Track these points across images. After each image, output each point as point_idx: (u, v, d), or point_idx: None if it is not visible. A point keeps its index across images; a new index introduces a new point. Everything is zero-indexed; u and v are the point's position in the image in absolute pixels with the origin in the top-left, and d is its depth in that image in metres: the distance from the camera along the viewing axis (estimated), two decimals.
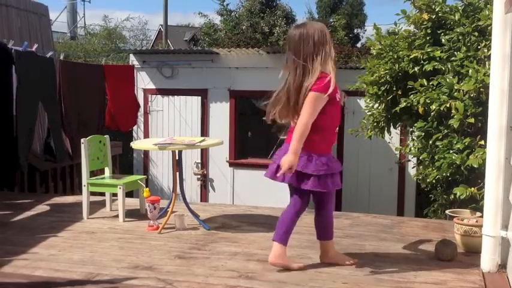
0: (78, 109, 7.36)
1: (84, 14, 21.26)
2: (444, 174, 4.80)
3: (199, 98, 9.52)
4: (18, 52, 6.18)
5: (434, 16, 5.29)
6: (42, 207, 5.73)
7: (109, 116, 8.11)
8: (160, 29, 24.91)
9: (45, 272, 3.67)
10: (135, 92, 9.42)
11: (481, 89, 4.54)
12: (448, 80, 4.85)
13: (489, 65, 4.59)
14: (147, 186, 5.14)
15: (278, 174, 3.46)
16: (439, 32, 5.28)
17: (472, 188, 4.45)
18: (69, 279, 3.56)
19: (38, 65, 6.53)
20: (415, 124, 5.21)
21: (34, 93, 6.41)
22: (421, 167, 5.43)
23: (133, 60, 9.86)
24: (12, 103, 6.12)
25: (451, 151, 4.75)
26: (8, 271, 3.69)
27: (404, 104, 5.19)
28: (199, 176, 9.58)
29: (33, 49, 6.58)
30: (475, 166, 4.41)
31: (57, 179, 7.56)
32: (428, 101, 4.90)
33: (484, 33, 4.90)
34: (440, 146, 4.86)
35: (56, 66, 7.07)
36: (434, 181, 5.04)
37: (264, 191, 8.63)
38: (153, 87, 9.75)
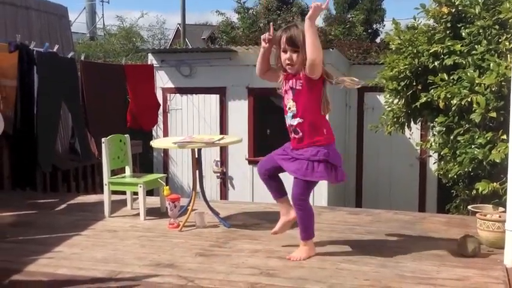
0: (101, 109, 7.43)
1: (103, 15, 21.49)
2: (466, 170, 4.75)
3: (218, 96, 9.54)
4: (40, 53, 6.26)
5: (454, 10, 5.23)
6: (65, 207, 5.80)
7: (131, 115, 8.17)
8: (178, 28, 25.01)
9: (68, 270, 3.71)
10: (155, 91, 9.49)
11: (503, 83, 4.48)
12: (468, 74, 4.80)
13: (511, 58, 4.54)
14: (167, 185, 5.16)
15: None
16: (459, 25, 5.22)
17: (495, 183, 4.40)
18: (92, 277, 3.60)
19: (59, 66, 6.60)
20: (436, 119, 5.16)
21: (56, 94, 6.49)
22: (442, 162, 5.38)
23: (152, 59, 9.90)
24: (34, 104, 6.20)
25: (472, 146, 4.70)
26: (31, 270, 3.74)
27: (425, 99, 5.14)
28: (218, 174, 9.60)
29: (54, 50, 6.65)
30: (498, 161, 4.36)
31: (79, 178, 7.65)
32: (449, 95, 4.85)
33: (505, 26, 4.83)
34: (461, 141, 4.81)
35: (78, 66, 7.14)
36: (456, 176, 5.00)
37: None
38: (172, 86, 9.79)
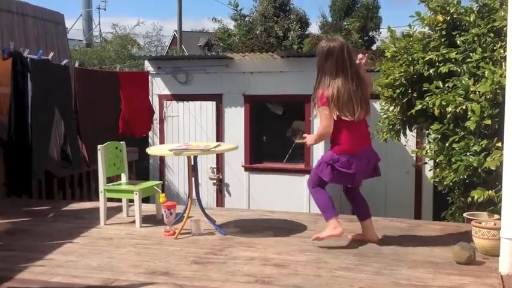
0: (94, 116, 7.43)
1: (99, 22, 21.44)
2: (461, 177, 4.76)
3: (214, 103, 9.54)
4: (33, 60, 6.25)
5: (449, 18, 5.25)
6: (60, 214, 5.78)
7: (123, 122, 8.17)
8: (174, 34, 25.05)
9: (63, 278, 3.70)
10: (150, 98, 9.49)
11: (498, 90, 4.50)
12: (463, 81, 4.81)
13: (505, 66, 4.56)
14: (163, 192, 5.16)
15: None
16: (454, 33, 5.24)
17: (490, 191, 4.40)
18: (87, 285, 3.59)
19: (52, 73, 6.59)
20: (431, 126, 5.17)
21: (49, 101, 6.48)
22: (437, 169, 5.38)
23: (148, 66, 9.91)
24: (28, 111, 6.19)
25: (468, 153, 4.71)
26: (26, 277, 3.73)
27: (420, 106, 5.15)
28: (214, 181, 9.59)
29: (49, 57, 6.65)
30: (493, 168, 4.36)
31: (75, 185, 7.63)
32: (444, 103, 4.86)
33: (500, 34, 4.85)
34: (457, 149, 4.82)
35: (71, 73, 7.14)
36: (451, 184, 5.00)
37: (279, 195, 8.62)
38: (168, 93, 9.79)
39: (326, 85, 4.12)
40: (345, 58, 4.14)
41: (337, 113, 4.10)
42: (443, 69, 5.05)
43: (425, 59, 5.21)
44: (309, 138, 4.41)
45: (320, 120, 4.21)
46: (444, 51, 5.12)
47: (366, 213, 4.48)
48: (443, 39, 5.28)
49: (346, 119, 4.11)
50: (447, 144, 4.95)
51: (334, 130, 4.19)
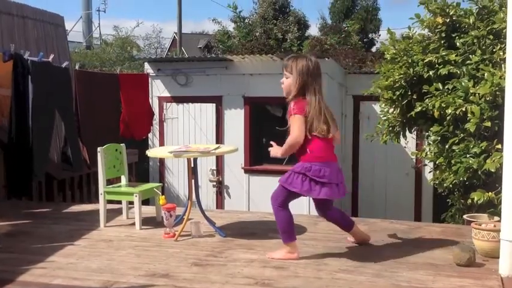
0: (94, 118, 7.43)
1: (99, 24, 21.46)
2: (461, 179, 4.77)
3: (214, 105, 9.56)
4: (34, 63, 6.26)
5: (448, 20, 5.27)
6: (60, 216, 5.78)
7: (123, 124, 8.18)
8: (174, 36, 25.07)
9: (63, 281, 3.70)
10: (150, 100, 9.50)
11: (497, 92, 4.51)
12: (463, 83, 4.83)
13: (505, 68, 4.57)
14: (163, 194, 5.16)
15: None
16: (453, 35, 5.25)
17: (490, 193, 4.41)
18: (87, 287, 3.59)
19: (53, 75, 6.60)
20: (431, 128, 5.18)
21: (50, 103, 6.48)
22: (437, 171, 5.39)
23: (148, 68, 9.92)
24: (29, 113, 6.19)
25: (467, 155, 4.72)
26: (27, 280, 3.73)
27: (420, 108, 5.16)
28: (214, 183, 9.60)
29: (50, 59, 6.66)
30: (492, 170, 4.37)
31: (75, 187, 7.63)
32: (443, 105, 4.88)
33: (499, 36, 4.87)
34: (456, 150, 4.83)
35: (72, 76, 7.14)
36: (451, 186, 5.01)
37: None
38: (168, 95, 9.80)
39: (307, 101, 3.93)
40: (320, 77, 4.02)
41: (313, 133, 3.94)
42: (443, 71, 5.06)
43: (425, 61, 5.22)
44: (273, 150, 4.16)
45: (292, 129, 3.97)
46: (444, 53, 5.14)
47: (350, 223, 4.38)
48: (442, 41, 5.29)
49: (319, 135, 3.95)
50: (447, 146, 4.96)
51: (303, 141, 3.98)
